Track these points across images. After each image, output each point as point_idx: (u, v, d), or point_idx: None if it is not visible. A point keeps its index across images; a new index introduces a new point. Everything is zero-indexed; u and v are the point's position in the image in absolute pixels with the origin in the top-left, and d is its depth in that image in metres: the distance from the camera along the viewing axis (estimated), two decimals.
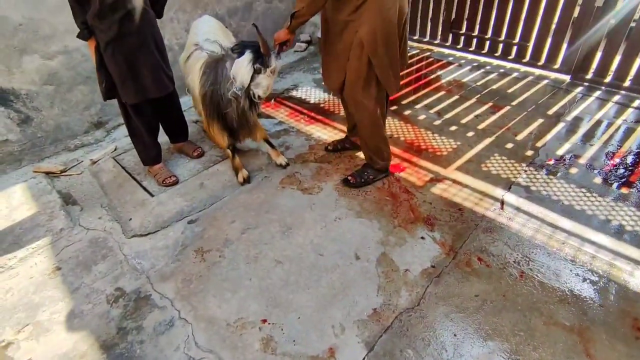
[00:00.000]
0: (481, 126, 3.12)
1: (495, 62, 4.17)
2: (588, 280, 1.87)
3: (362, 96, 2.23)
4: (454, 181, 2.54)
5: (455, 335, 1.70)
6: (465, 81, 3.86)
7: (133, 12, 2.10)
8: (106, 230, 2.33)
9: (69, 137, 3.13)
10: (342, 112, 3.39)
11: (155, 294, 1.95)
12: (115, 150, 3.00)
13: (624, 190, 2.38)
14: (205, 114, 2.42)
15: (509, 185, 2.48)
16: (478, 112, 3.32)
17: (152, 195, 2.53)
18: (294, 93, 3.78)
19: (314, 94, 3.73)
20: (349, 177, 2.55)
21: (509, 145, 2.85)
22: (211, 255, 2.13)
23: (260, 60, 2.13)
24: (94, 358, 1.70)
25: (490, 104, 3.43)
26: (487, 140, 2.94)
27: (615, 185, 2.42)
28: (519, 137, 2.93)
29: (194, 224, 2.33)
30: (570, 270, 1.93)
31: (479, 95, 3.57)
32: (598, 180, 2.48)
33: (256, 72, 2.15)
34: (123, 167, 2.80)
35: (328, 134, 3.11)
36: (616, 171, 2.53)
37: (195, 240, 2.23)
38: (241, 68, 2.14)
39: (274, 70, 2.21)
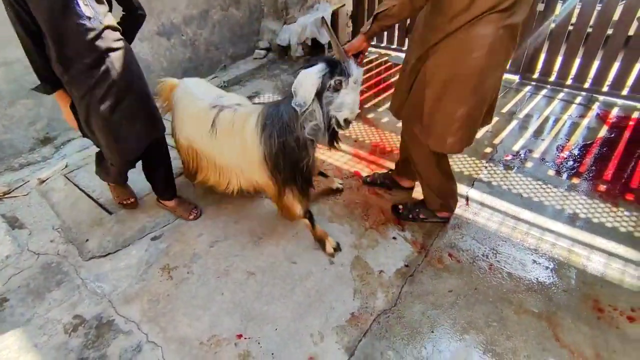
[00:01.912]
0: None
1: None
2: (550, 268, 1.97)
3: (419, 129, 1.85)
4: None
5: (432, 332, 1.71)
6: None
7: (107, 53, 1.68)
8: (60, 254, 2.15)
9: (13, 155, 2.88)
10: None
11: (119, 318, 1.82)
12: (66, 167, 2.80)
13: (575, 180, 2.54)
14: (277, 181, 1.83)
15: (472, 181, 2.57)
16: None
17: (110, 213, 2.37)
18: (255, 100, 3.72)
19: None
20: (400, 207, 2.29)
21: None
22: (178, 272, 2.03)
23: (338, 70, 1.58)
24: None
25: None
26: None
27: (566, 176, 2.58)
28: (478, 135, 3.05)
29: (158, 240, 2.21)
30: (534, 260, 2.01)
31: None
32: (551, 172, 2.63)
33: (334, 88, 1.60)
34: (76, 185, 2.61)
35: None
36: (566, 163, 2.70)
37: (160, 257, 2.11)
38: (306, 78, 1.56)
39: (357, 81, 1.64)
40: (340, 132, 1.78)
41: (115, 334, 1.76)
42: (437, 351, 1.64)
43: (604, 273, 1.92)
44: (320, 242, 2.10)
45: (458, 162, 2.75)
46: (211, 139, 1.94)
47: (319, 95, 1.60)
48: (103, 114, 1.75)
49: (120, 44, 1.75)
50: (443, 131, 1.75)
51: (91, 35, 1.60)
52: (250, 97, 3.77)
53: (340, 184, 2.49)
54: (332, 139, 1.82)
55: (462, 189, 2.49)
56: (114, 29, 1.72)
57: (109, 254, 2.14)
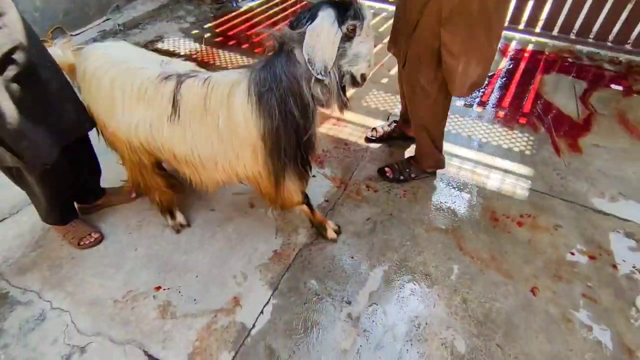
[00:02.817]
0: None
1: (389, 7, 4.17)
2: (456, 188, 2.14)
3: (424, 79, 1.70)
4: (338, 119, 2.59)
5: (352, 257, 1.79)
6: None
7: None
8: None
9: None
10: (219, 62, 3.15)
11: (14, 290, 1.63)
12: None
13: (479, 109, 2.73)
14: (274, 166, 1.45)
15: (387, 116, 2.63)
16: None
17: None
18: (159, 45, 3.35)
19: (184, 45, 3.37)
20: (386, 169, 2.15)
21: (384, 80, 3.00)
22: None
23: (351, 13, 1.24)
24: None
25: None
26: None
27: (473, 106, 2.76)
28: (392, 71, 3.09)
29: None
30: (442, 183, 2.17)
31: None
32: (460, 103, 2.79)
33: (347, 37, 1.26)
34: None
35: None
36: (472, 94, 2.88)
37: None
38: (320, 36, 1.21)
39: (370, 25, 1.31)
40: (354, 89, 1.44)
41: (12, 307, 1.58)
42: (357, 273, 1.73)
43: (500, 188, 2.14)
44: (320, 227, 1.86)
45: (374, 99, 2.79)
46: (172, 127, 1.41)
47: None
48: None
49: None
50: (470, 72, 1.60)
51: None
52: (152, 42, 3.38)
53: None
54: (344, 100, 1.45)
55: (377, 123, 2.54)
56: None
57: None
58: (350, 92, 2.85)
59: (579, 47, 3.43)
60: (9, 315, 1.55)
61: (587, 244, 1.87)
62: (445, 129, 2.47)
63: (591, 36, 3.38)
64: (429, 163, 2.11)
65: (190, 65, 1.54)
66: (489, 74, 1.69)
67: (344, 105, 1.42)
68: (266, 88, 1.30)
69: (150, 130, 1.43)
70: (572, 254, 1.83)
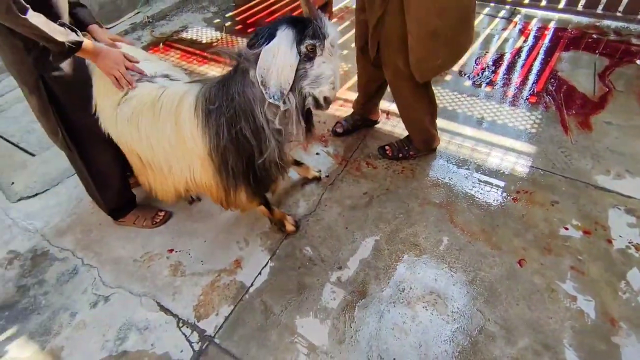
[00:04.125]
0: None
1: None
2: (455, 164, 2.18)
3: (403, 62, 1.74)
4: (346, 100, 2.68)
5: (347, 228, 1.92)
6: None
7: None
8: None
9: None
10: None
11: (53, 249, 1.90)
12: None
13: (488, 89, 2.72)
14: (220, 180, 1.45)
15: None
16: None
17: (33, 155, 2.34)
18: (184, 35, 3.57)
19: (206, 34, 3.57)
20: (386, 147, 2.21)
21: None
22: None
23: (309, 32, 1.18)
24: None
25: None
26: None
27: (480, 85, 2.75)
28: None
29: None
30: (441, 160, 2.22)
31: None
32: (467, 83, 2.79)
33: (307, 57, 1.21)
34: None
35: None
36: (482, 74, 2.86)
37: None
38: (276, 58, 1.17)
39: (334, 44, 1.25)
40: (318, 112, 1.36)
41: (51, 262, 1.85)
42: (350, 242, 1.85)
43: (500, 165, 2.16)
44: (280, 223, 1.87)
45: None
46: (125, 124, 1.47)
47: None
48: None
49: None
50: (441, 51, 1.66)
51: None
52: (177, 32, 3.61)
53: (318, 171, 2.14)
54: (308, 126, 1.39)
55: (383, 104, 2.61)
56: None
57: (37, 194, 2.16)
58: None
59: (606, 22, 3.28)
60: (49, 269, 1.83)
61: (583, 219, 1.87)
62: (451, 107, 2.52)
63: (620, 9, 3.23)
64: (420, 143, 2.17)
65: (171, 69, 1.61)
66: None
67: (306, 132, 1.36)
68: (215, 106, 1.29)
69: (104, 120, 1.53)
70: (566, 228, 1.85)
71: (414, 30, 1.61)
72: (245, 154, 1.36)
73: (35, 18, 1.13)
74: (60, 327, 1.62)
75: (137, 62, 1.43)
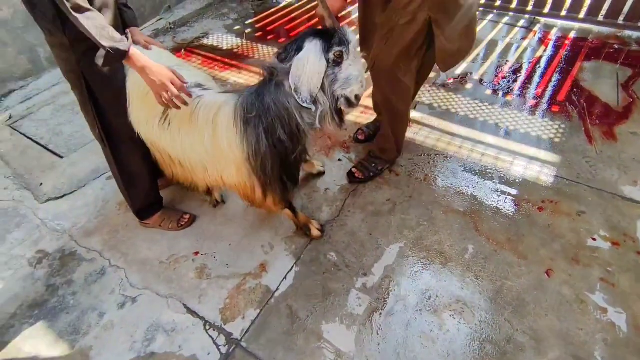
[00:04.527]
0: None
1: None
2: (478, 173, 2.18)
3: (402, 72, 1.77)
4: (367, 107, 2.70)
5: (370, 234, 1.92)
6: None
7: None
8: (15, 200, 2.19)
9: None
10: (257, 55, 3.37)
11: (81, 249, 1.94)
12: (10, 118, 2.74)
13: (509, 98, 2.71)
14: (258, 182, 1.54)
15: (414, 105, 2.70)
16: None
17: (61, 157, 2.39)
18: (204, 41, 3.63)
19: (226, 41, 3.63)
20: (354, 172, 2.17)
21: None
22: None
23: (336, 41, 1.30)
24: (24, 316, 1.69)
25: None
26: None
27: (501, 94, 2.75)
28: None
29: (113, 180, 2.27)
30: (464, 168, 2.22)
31: None
32: (488, 92, 2.79)
33: (336, 63, 1.33)
34: (23, 134, 2.58)
35: (244, 77, 3.09)
36: (503, 83, 2.86)
37: (117, 194, 2.16)
38: (306, 67, 1.28)
39: (356, 47, 1.39)
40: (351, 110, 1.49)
41: (79, 263, 1.88)
42: (374, 249, 1.85)
43: (524, 174, 2.15)
44: (305, 227, 1.90)
45: None
46: (163, 130, 1.54)
47: None
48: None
49: None
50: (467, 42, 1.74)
51: None
52: (199, 38, 3.68)
53: (322, 167, 2.22)
54: (341, 119, 1.52)
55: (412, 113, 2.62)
56: None
57: (65, 195, 2.20)
58: None
59: (627, 32, 3.26)
60: (77, 269, 1.86)
61: (612, 230, 1.85)
62: (472, 115, 2.52)
63: None
64: (393, 155, 2.20)
65: (202, 76, 1.66)
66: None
67: (339, 127, 1.49)
68: (253, 115, 1.37)
69: (139, 124, 1.60)
70: (594, 239, 1.83)
71: (450, 34, 1.64)
72: (281, 155, 1.47)
73: (86, 20, 1.18)
74: (89, 327, 1.64)
75: (186, 83, 1.41)
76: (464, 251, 1.82)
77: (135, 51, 1.30)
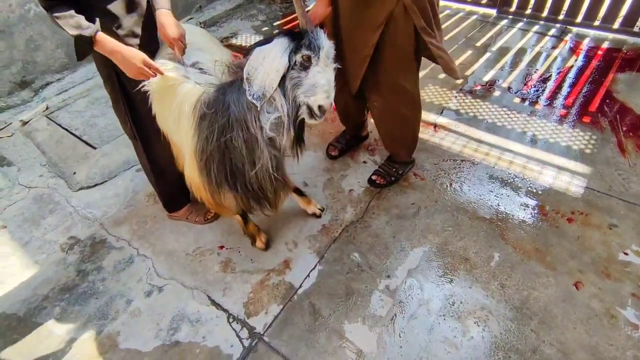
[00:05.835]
0: None
1: (466, 6, 4.26)
2: (505, 181, 2.15)
3: (404, 79, 1.79)
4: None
5: (394, 237, 1.92)
6: None
7: None
8: (50, 187, 2.28)
9: None
10: None
11: (111, 237, 1.99)
12: (47, 109, 2.84)
13: (537, 107, 2.67)
14: (206, 181, 1.45)
15: (441, 110, 2.69)
16: None
17: (94, 148, 2.47)
18: (233, 41, 3.70)
19: (254, 41, 3.68)
20: (375, 178, 2.15)
21: (442, 76, 3.04)
22: None
23: (305, 42, 1.22)
24: (56, 299, 1.75)
25: None
26: (421, 73, 3.10)
27: (529, 102, 2.71)
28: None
29: (142, 172, 2.33)
30: (491, 175, 2.19)
31: None
32: (517, 100, 2.75)
33: (302, 66, 1.23)
34: (58, 124, 2.68)
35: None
36: (532, 91, 2.82)
37: (145, 186, 2.24)
38: (265, 60, 1.21)
39: (329, 55, 1.27)
40: (313, 123, 1.35)
41: (108, 250, 1.94)
42: (398, 251, 1.85)
43: (553, 184, 2.12)
44: (251, 236, 1.87)
45: (429, 92, 2.86)
46: (174, 124, 1.47)
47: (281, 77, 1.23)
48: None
49: None
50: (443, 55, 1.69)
51: None
52: (227, 38, 3.75)
53: (321, 209, 2.03)
54: (300, 137, 1.39)
55: (431, 117, 2.61)
56: None
57: (96, 184, 2.27)
58: None
59: None
60: (106, 256, 1.91)
61: None
62: (500, 123, 2.50)
63: None
64: (407, 154, 2.17)
65: (226, 54, 1.60)
66: None
67: (294, 143, 1.36)
68: (211, 111, 1.29)
69: (160, 120, 1.57)
70: (626, 253, 1.78)
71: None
72: (230, 163, 1.37)
73: (59, 14, 1.23)
74: (117, 313, 1.69)
75: (185, 64, 1.41)
76: (490, 259, 1.80)
77: (103, 36, 1.31)
